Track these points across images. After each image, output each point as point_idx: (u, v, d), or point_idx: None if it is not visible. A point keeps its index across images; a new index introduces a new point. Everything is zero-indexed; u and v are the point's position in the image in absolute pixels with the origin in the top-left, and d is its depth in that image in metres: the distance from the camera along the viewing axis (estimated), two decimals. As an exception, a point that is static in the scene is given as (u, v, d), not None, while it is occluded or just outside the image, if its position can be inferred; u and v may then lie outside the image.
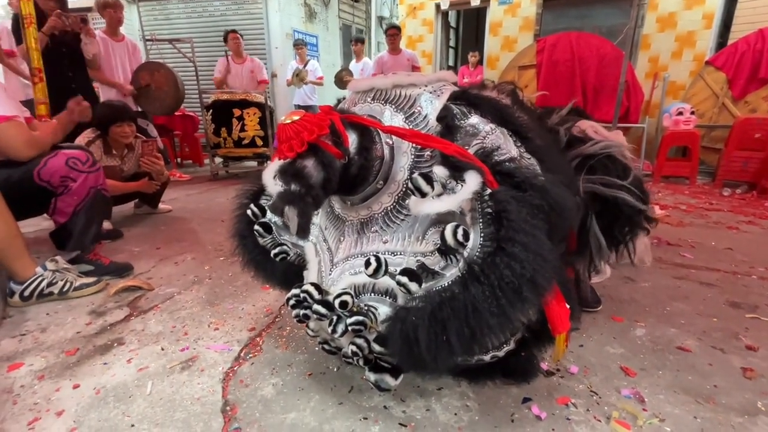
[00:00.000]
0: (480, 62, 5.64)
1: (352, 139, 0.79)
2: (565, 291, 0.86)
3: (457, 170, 0.74)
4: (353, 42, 5.30)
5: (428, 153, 0.84)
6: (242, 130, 3.99)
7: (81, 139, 2.24)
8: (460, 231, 0.69)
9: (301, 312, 0.86)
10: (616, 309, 1.39)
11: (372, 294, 0.82)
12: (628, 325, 1.29)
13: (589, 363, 1.09)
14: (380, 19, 8.14)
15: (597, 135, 1.36)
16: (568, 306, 0.84)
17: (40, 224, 2.32)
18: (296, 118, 0.73)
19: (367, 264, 0.77)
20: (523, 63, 4.94)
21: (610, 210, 1.14)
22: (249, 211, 1.01)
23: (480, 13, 6.83)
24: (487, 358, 0.91)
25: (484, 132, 0.84)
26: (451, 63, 7.62)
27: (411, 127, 0.86)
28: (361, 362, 0.86)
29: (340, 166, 0.77)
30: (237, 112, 3.96)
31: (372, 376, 0.86)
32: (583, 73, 4.55)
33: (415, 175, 0.74)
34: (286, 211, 0.75)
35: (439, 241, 0.72)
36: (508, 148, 0.84)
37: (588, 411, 0.91)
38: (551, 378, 1.02)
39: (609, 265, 1.53)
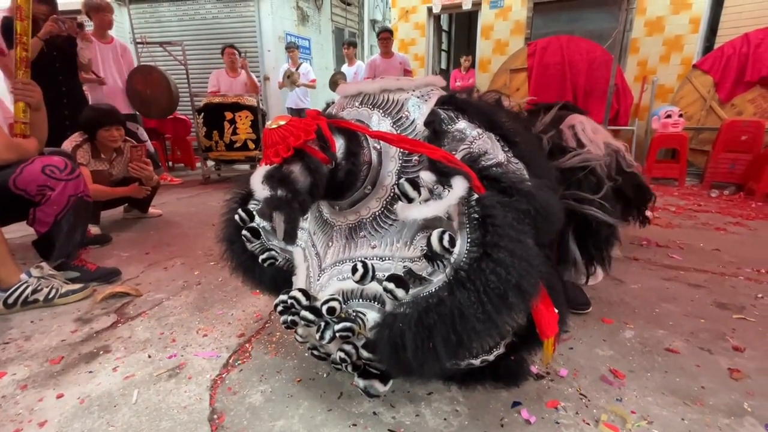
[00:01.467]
0: (472, 65, 5.67)
1: (339, 144, 0.79)
2: (553, 295, 0.86)
3: (444, 175, 0.74)
4: (345, 46, 5.30)
5: (416, 158, 0.84)
6: (234, 133, 3.97)
7: (68, 144, 2.21)
8: (446, 237, 0.69)
9: (289, 318, 0.85)
10: (605, 311, 1.40)
11: (360, 300, 0.81)
12: (617, 326, 1.30)
13: (579, 365, 1.09)
14: (373, 22, 8.17)
15: (583, 134, 1.37)
16: (556, 310, 0.84)
17: (26, 230, 2.28)
18: (282, 122, 0.73)
19: (354, 270, 0.76)
20: (515, 66, 4.98)
21: (583, 225, 1.15)
22: (237, 216, 1.00)
23: (472, 17, 6.87)
24: (477, 362, 0.90)
25: (472, 137, 0.84)
26: (443, 66, 7.65)
27: (398, 131, 0.85)
28: (349, 368, 0.85)
29: (327, 171, 0.77)
30: (229, 115, 3.94)
31: (361, 383, 0.85)
32: (574, 76, 4.60)
33: (402, 180, 0.74)
34: (274, 217, 0.75)
35: (426, 247, 0.72)
36: (495, 153, 0.84)
37: (577, 414, 0.91)
38: (541, 381, 1.02)
39: (603, 269, 1.54)
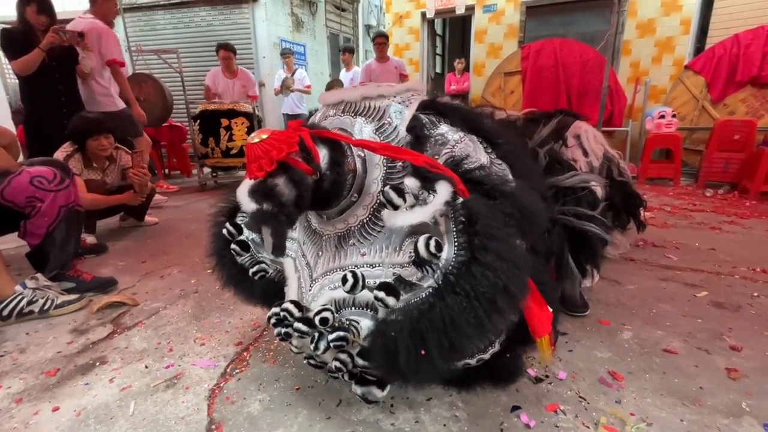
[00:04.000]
0: (466, 69, 5.71)
1: (323, 155, 0.78)
2: (546, 294, 0.86)
3: (427, 181, 0.75)
4: (342, 51, 5.32)
5: (400, 164, 0.84)
6: (230, 140, 3.96)
7: (59, 154, 2.19)
8: (432, 243, 0.69)
9: (283, 330, 0.84)
10: (603, 312, 1.40)
11: (353, 308, 0.81)
12: (615, 328, 1.30)
13: (578, 368, 1.09)
14: (367, 27, 8.22)
15: (587, 143, 1.40)
16: (550, 309, 0.84)
17: (20, 240, 2.26)
18: (264, 136, 0.72)
19: (344, 280, 0.76)
20: (509, 69, 5.01)
21: (578, 239, 1.17)
22: (225, 231, 0.99)
23: (465, 21, 6.94)
24: (473, 361, 0.90)
25: (453, 140, 0.84)
26: (438, 70, 7.70)
27: (382, 138, 0.86)
28: (346, 377, 0.85)
29: (312, 182, 0.76)
30: (225, 122, 3.93)
31: (359, 390, 0.85)
32: (567, 78, 4.63)
33: (386, 188, 0.74)
34: (262, 231, 0.75)
35: (414, 253, 0.72)
36: (478, 155, 0.84)
37: (576, 417, 0.91)
38: (540, 385, 1.02)
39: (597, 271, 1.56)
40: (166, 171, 5.34)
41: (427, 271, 0.72)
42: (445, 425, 0.90)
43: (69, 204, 1.56)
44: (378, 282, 0.75)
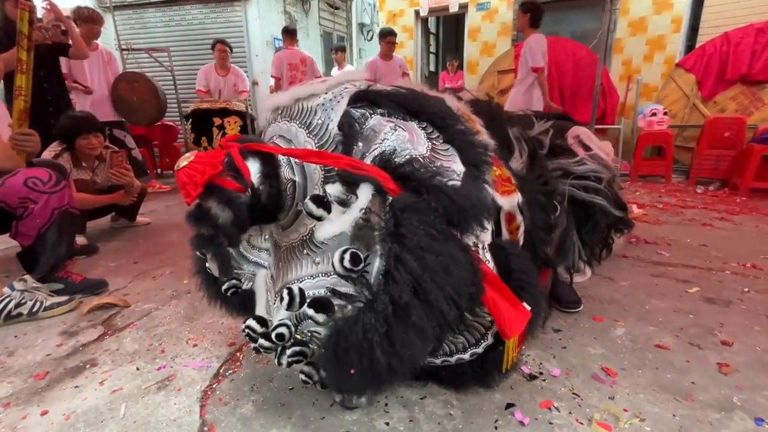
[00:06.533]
0: (460, 67, 5.72)
1: (255, 169, 0.75)
2: (528, 282, 0.84)
3: (350, 185, 0.71)
4: (333, 51, 5.30)
5: None
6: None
7: (47, 154, 2.15)
8: (347, 256, 0.66)
9: (253, 345, 0.83)
10: (596, 309, 1.41)
11: (311, 319, 0.79)
12: (608, 324, 1.31)
13: (571, 364, 1.10)
14: (361, 26, 8.18)
15: (590, 141, 1.41)
16: (528, 307, 0.81)
17: (9, 242, 2.22)
18: (190, 159, 0.69)
19: (281, 299, 0.73)
20: (502, 67, 5.02)
21: (584, 213, 1.16)
22: (197, 253, 0.96)
23: (459, 19, 6.93)
24: (466, 356, 0.90)
25: (383, 134, 0.78)
26: (432, 68, 7.69)
27: (315, 140, 0.82)
28: (318, 387, 0.84)
29: (247, 199, 0.73)
30: (217, 120, 3.90)
31: (337, 397, 0.84)
32: (560, 76, 4.65)
33: (306, 200, 0.71)
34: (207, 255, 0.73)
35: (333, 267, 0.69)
36: (414, 144, 0.78)
37: (570, 414, 0.91)
38: (534, 382, 1.02)
39: (589, 266, 1.56)
40: (159, 170, 5.28)
41: (355, 283, 0.68)
42: (439, 423, 0.89)
43: (62, 206, 1.53)
44: (309, 300, 0.72)
